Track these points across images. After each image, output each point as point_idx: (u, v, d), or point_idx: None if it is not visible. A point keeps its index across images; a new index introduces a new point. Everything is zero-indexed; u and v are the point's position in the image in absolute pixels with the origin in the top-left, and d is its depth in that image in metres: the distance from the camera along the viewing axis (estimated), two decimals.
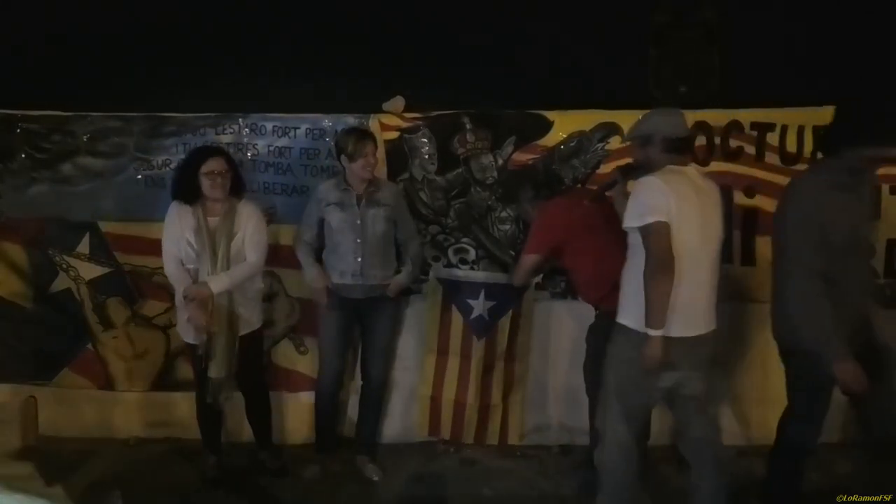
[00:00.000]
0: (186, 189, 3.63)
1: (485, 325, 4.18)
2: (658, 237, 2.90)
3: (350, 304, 3.83)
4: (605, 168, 4.11)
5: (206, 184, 3.59)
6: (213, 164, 3.60)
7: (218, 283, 3.58)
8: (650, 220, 2.91)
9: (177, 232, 3.63)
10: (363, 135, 3.79)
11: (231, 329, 3.66)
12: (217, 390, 3.68)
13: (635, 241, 2.99)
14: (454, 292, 4.21)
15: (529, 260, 3.70)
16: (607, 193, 3.44)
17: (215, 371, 3.66)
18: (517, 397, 4.29)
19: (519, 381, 4.28)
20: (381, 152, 4.13)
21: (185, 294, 3.57)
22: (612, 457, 3.18)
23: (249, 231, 3.68)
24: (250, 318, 3.76)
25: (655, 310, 2.89)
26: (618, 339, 3.10)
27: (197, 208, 3.64)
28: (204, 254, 3.61)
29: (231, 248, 3.63)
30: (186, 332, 3.72)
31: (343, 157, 3.74)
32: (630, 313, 3.01)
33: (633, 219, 2.96)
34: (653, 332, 2.89)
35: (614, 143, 4.12)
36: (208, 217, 3.64)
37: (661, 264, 2.89)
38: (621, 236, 3.19)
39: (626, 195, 3.19)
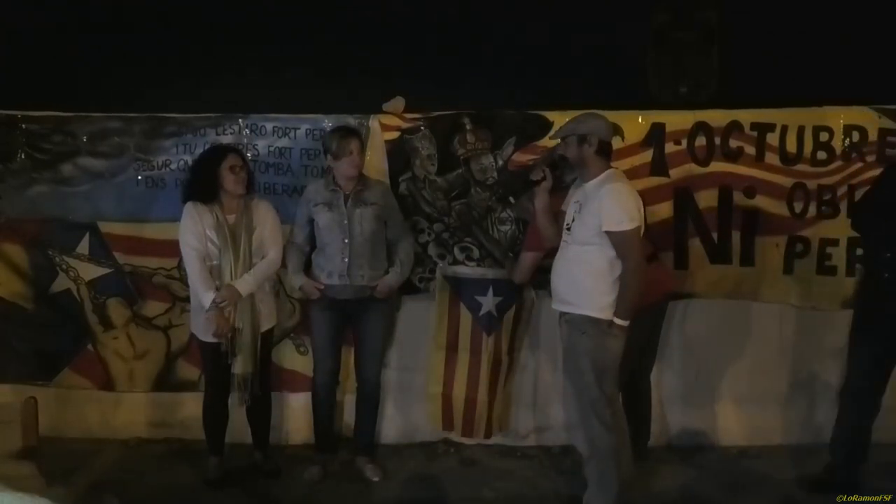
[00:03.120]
0: (205, 187, 3.69)
1: (493, 321, 4.19)
2: (637, 242, 3.25)
3: (340, 305, 3.83)
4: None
5: (229, 178, 3.66)
6: (234, 160, 3.70)
7: (245, 286, 3.66)
8: (630, 226, 3.21)
9: (199, 230, 3.65)
10: (347, 133, 3.78)
11: (254, 325, 3.71)
12: (243, 386, 3.71)
13: (596, 240, 3.22)
14: (462, 289, 4.21)
15: (530, 257, 3.71)
16: (534, 188, 3.54)
17: (241, 367, 3.69)
18: (518, 387, 4.32)
19: (520, 372, 4.31)
20: (381, 152, 4.13)
21: (217, 301, 3.60)
22: (606, 441, 3.33)
23: (268, 227, 3.77)
24: (269, 315, 3.83)
25: (631, 304, 3.24)
26: (590, 332, 3.27)
27: (214, 206, 3.69)
28: (226, 250, 3.66)
29: (252, 244, 3.72)
30: (205, 332, 3.73)
31: (329, 156, 3.75)
32: (596, 305, 3.26)
33: (613, 223, 3.19)
34: (624, 322, 3.23)
35: (614, 143, 4.10)
36: (226, 215, 3.70)
37: (641, 266, 3.28)
38: None
39: (548, 191, 3.48)
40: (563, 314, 3.40)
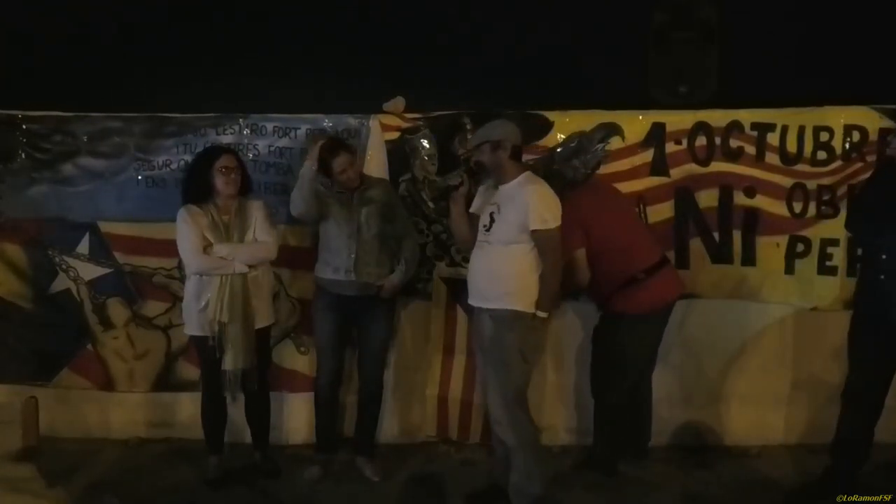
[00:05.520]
0: (199, 188, 3.70)
1: None
2: (558, 240, 3.39)
3: (344, 303, 3.83)
4: (606, 168, 4.11)
5: (219, 180, 3.68)
6: (226, 161, 3.70)
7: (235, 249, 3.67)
8: (554, 224, 3.35)
9: (196, 230, 3.65)
10: (335, 149, 3.75)
11: (247, 320, 3.69)
12: (233, 383, 3.70)
13: (520, 239, 3.36)
14: (458, 291, 4.20)
15: (582, 254, 3.67)
16: (453, 193, 3.60)
17: (231, 363, 3.68)
18: None
19: None
20: (382, 152, 4.13)
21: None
22: (532, 430, 3.51)
23: (259, 220, 3.76)
24: (263, 313, 3.81)
25: (552, 298, 3.44)
26: (517, 326, 3.38)
27: (209, 207, 3.70)
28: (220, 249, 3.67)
29: (245, 242, 3.72)
30: (194, 326, 3.73)
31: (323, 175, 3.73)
32: (523, 301, 3.38)
33: (539, 222, 3.33)
34: (545, 314, 3.41)
35: (614, 143, 4.12)
36: (221, 215, 3.71)
37: (561, 262, 3.42)
38: (636, 234, 3.69)
39: (466, 197, 3.56)
40: (483, 310, 3.50)
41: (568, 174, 4.03)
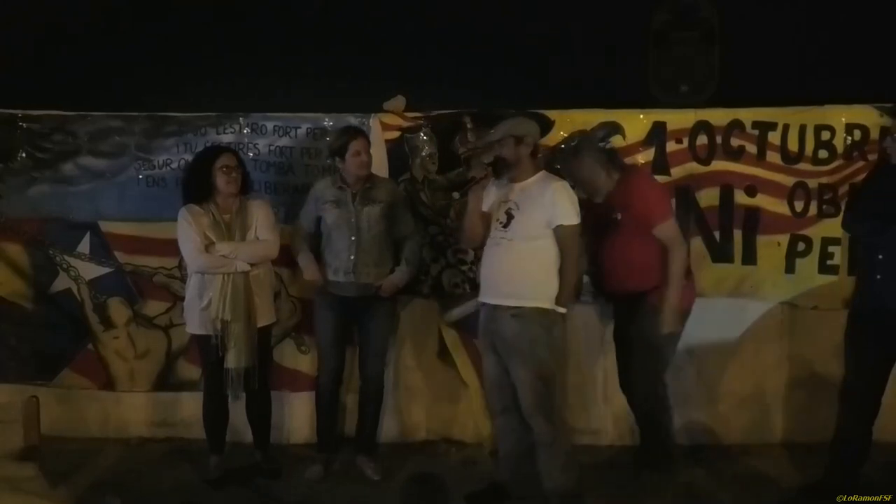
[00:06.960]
0: (199, 187, 3.70)
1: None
2: (577, 236, 3.46)
3: (345, 303, 3.83)
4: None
5: (221, 179, 3.68)
6: (226, 160, 3.71)
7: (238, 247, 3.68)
8: (577, 220, 3.42)
9: (197, 229, 3.66)
10: (354, 133, 3.80)
11: (249, 319, 3.69)
12: (236, 381, 3.69)
13: (543, 234, 3.39)
14: (467, 327, 4.12)
15: (675, 225, 3.66)
16: (474, 186, 3.59)
17: (234, 361, 3.68)
18: None
19: None
20: (381, 152, 4.13)
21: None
22: (563, 419, 3.57)
23: (260, 220, 3.76)
24: (265, 311, 3.81)
25: (571, 292, 3.51)
26: (544, 321, 3.41)
27: (210, 206, 3.71)
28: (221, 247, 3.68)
29: (246, 240, 3.72)
30: (197, 325, 3.73)
31: (336, 158, 3.76)
32: (547, 296, 3.41)
33: (572, 216, 3.39)
34: (564, 310, 3.46)
35: (615, 142, 4.12)
36: (222, 214, 3.72)
37: (579, 258, 3.50)
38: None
39: (482, 189, 3.56)
40: (503, 308, 3.44)
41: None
